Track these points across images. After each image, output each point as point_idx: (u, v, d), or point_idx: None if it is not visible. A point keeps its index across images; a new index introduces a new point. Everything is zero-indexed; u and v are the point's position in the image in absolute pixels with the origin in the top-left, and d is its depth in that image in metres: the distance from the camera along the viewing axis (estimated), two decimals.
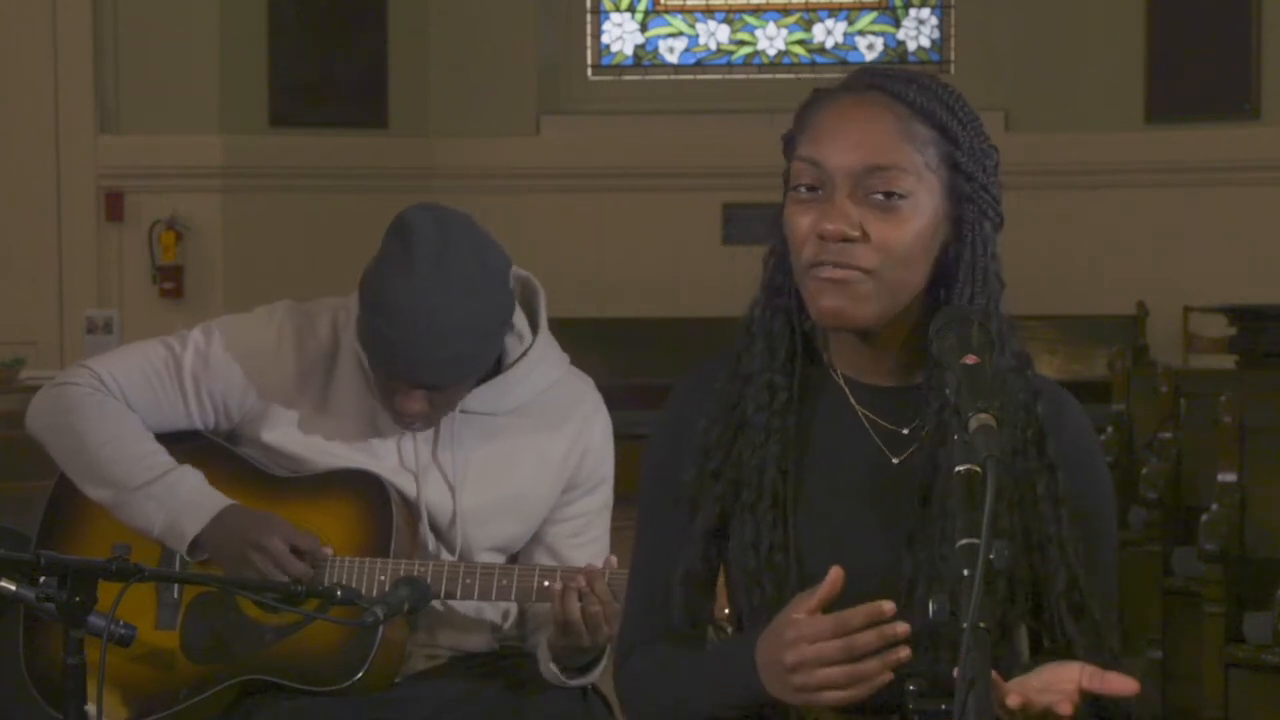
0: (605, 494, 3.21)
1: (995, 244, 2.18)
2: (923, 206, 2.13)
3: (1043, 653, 2.18)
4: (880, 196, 2.12)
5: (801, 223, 2.15)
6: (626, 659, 2.29)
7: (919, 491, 2.15)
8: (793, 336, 2.21)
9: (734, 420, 2.20)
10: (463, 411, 3.10)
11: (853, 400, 2.21)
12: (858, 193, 2.12)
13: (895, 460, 2.19)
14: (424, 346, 2.93)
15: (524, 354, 3.11)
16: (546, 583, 2.99)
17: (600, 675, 3.08)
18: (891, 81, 2.17)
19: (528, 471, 3.13)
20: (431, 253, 2.95)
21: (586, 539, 3.19)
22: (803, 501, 2.17)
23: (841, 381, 2.22)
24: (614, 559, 3.02)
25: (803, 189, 2.15)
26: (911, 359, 2.19)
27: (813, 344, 2.24)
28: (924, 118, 2.15)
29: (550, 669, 3.06)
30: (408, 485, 3.09)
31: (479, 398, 3.11)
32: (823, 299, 2.13)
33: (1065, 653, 2.15)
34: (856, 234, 2.11)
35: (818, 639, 2.02)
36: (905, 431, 2.19)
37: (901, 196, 2.12)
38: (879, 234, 2.12)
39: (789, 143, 2.21)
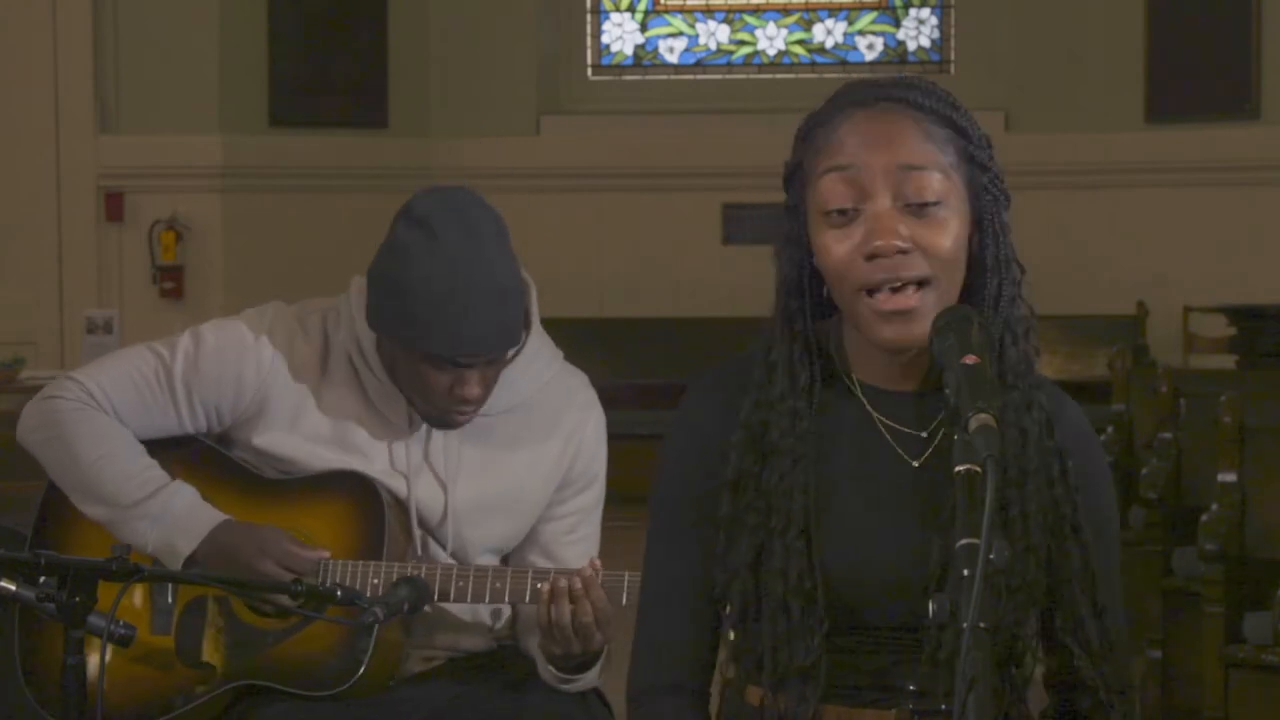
0: (598, 491, 3.21)
1: (1009, 228, 2.19)
2: (955, 209, 2.14)
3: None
4: (917, 206, 2.12)
5: (841, 250, 2.13)
6: (647, 702, 2.26)
7: (942, 490, 2.13)
8: (812, 363, 2.20)
9: (762, 449, 2.19)
10: None
11: (870, 408, 2.21)
12: (897, 203, 2.12)
13: (915, 464, 2.19)
14: (485, 316, 2.94)
15: (517, 352, 3.11)
16: (540, 585, 2.98)
17: (598, 677, 3.07)
18: (895, 89, 2.17)
19: (521, 469, 3.13)
20: (457, 229, 2.95)
21: (578, 536, 3.19)
22: (828, 518, 2.17)
23: (859, 391, 2.21)
24: (598, 562, 3.01)
25: (835, 215, 2.14)
26: (934, 363, 2.16)
27: (826, 351, 2.23)
28: (936, 118, 2.16)
29: (548, 670, 3.05)
30: (399, 486, 3.08)
31: None
32: (885, 331, 2.13)
33: (1079, 641, 2.16)
34: (908, 246, 2.11)
35: None
36: (924, 434, 2.19)
37: (936, 204, 2.12)
38: (926, 241, 2.12)
39: (794, 170, 2.20)
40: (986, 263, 2.16)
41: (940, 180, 2.13)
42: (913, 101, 2.16)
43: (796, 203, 2.19)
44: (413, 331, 2.96)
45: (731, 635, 2.22)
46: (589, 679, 3.06)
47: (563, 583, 2.95)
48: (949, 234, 2.13)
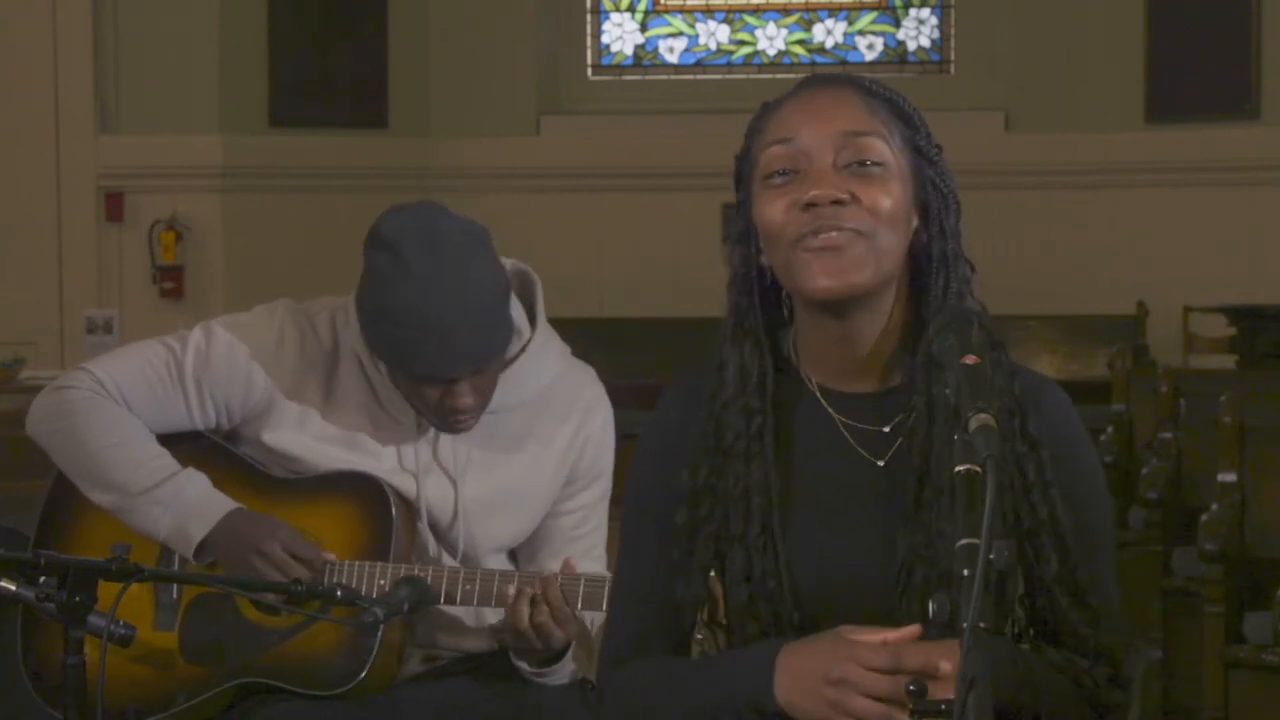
0: (604, 486, 3.22)
1: (959, 232, 2.19)
2: (896, 178, 2.15)
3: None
4: (858, 165, 2.13)
5: (778, 207, 2.14)
6: (613, 672, 2.26)
7: (908, 488, 2.14)
8: (762, 359, 2.20)
9: (717, 457, 2.18)
10: None
11: (829, 409, 2.20)
12: (837, 162, 2.13)
13: (880, 463, 2.19)
14: (462, 333, 2.93)
15: (523, 349, 3.11)
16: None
17: (568, 675, 3.08)
18: (845, 76, 2.21)
19: (529, 465, 3.13)
20: (423, 249, 2.93)
21: (586, 531, 3.20)
22: (791, 520, 2.16)
23: (817, 391, 2.21)
24: (572, 562, 3.02)
25: (776, 176, 2.15)
26: (889, 362, 2.19)
27: (783, 354, 2.23)
28: (883, 102, 2.18)
29: (520, 664, 3.06)
30: (407, 485, 3.08)
31: None
32: (818, 275, 2.12)
33: (1068, 640, 2.15)
34: (845, 196, 2.11)
35: (871, 666, 2.02)
36: (887, 430, 2.19)
37: (878, 164, 2.13)
38: (866, 196, 2.12)
39: (742, 161, 2.21)
40: (933, 257, 2.17)
41: (883, 147, 2.14)
42: (860, 84, 2.19)
43: (744, 197, 2.21)
44: (395, 354, 2.98)
45: (699, 636, 2.22)
46: (560, 671, 3.07)
47: (527, 587, 2.96)
48: (889, 195, 2.13)
